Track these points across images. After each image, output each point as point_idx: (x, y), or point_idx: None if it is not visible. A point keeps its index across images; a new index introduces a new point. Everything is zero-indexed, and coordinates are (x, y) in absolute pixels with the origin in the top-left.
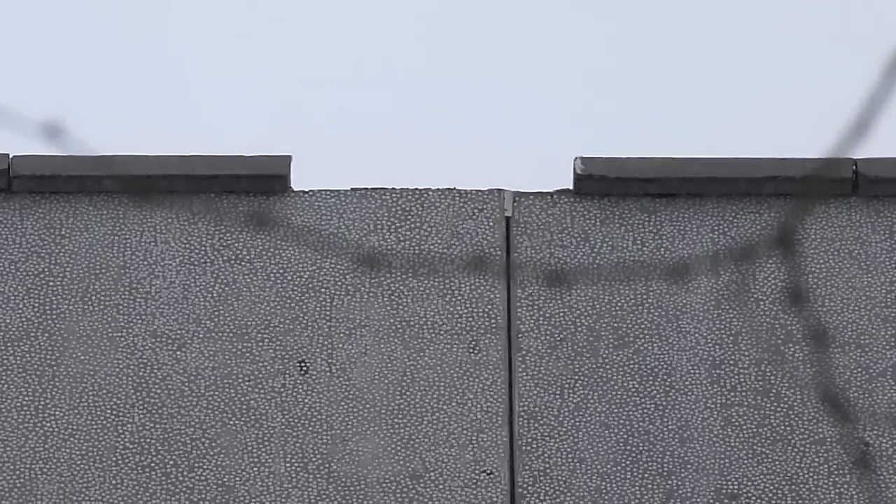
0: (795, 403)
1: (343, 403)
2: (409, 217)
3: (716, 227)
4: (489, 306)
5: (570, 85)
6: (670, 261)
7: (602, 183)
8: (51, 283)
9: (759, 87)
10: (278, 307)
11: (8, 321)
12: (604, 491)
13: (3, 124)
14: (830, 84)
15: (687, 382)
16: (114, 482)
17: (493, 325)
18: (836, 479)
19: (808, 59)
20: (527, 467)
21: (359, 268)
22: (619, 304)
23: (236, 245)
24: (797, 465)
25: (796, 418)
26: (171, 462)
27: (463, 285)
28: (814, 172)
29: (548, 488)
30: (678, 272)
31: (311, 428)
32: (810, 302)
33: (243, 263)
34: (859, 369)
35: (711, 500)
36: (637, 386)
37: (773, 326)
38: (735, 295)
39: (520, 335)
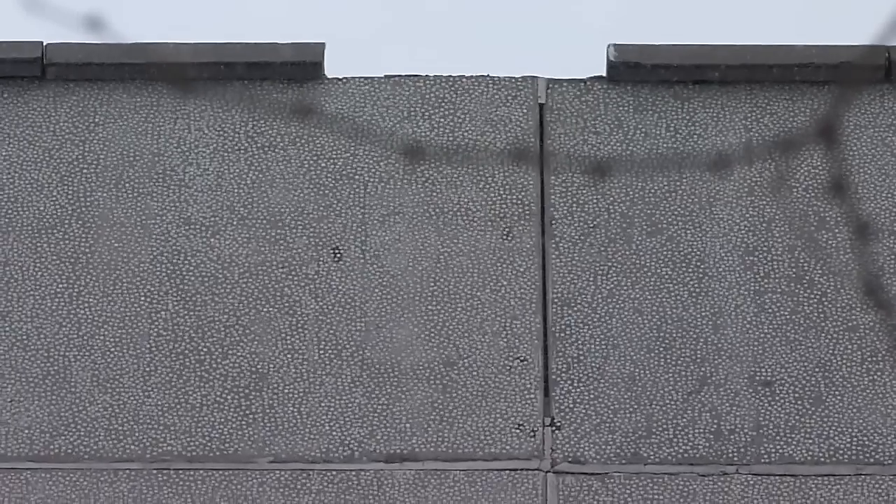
0: (829, 290)
1: (377, 290)
2: (443, 104)
3: (749, 115)
4: (523, 193)
5: None
6: (706, 150)
7: (635, 70)
8: (84, 171)
9: None
10: (312, 194)
11: (41, 209)
12: (637, 377)
13: (45, 16)
14: None
15: (720, 269)
16: (147, 369)
17: (527, 212)
18: (870, 365)
19: None
20: (560, 354)
21: (401, 158)
22: (653, 191)
23: (270, 132)
24: (830, 351)
25: (829, 305)
26: (205, 349)
27: (497, 172)
28: (857, 60)
29: (581, 375)
30: (718, 163)
31: (344, 315)
32: (852, 193)
33: (277, 151)
34: (893, 256)
35: (745, 387)
36: (670, 273)
37: (806, 213)
38: (773, 184)
39: (553, 222)
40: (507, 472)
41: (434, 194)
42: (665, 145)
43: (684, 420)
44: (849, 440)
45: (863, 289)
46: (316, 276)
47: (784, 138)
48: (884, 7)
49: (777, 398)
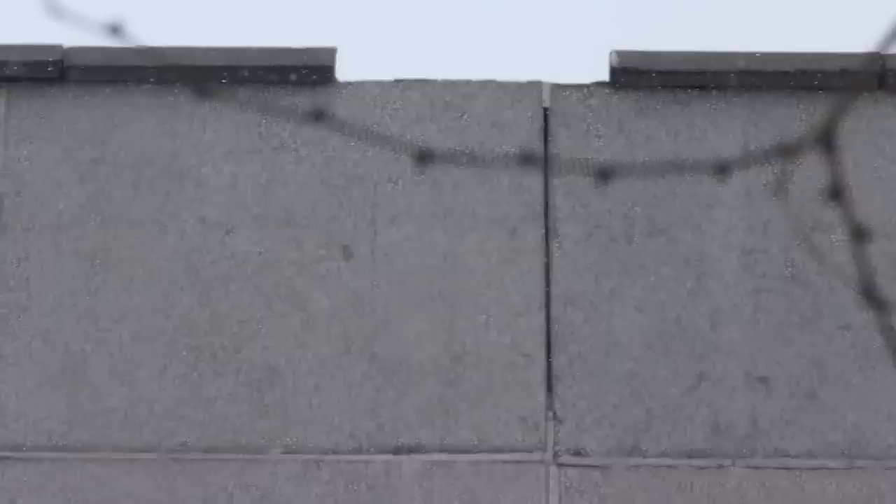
0: (823, 290)
1: (385, 288)
2: (451, 108)
3: (747, 120)
4: (528, 194)
5: None
6: (705, 154)
7: (637, 76)
8: (103, 170)
9: None
10: (323, 195)
11: (61, 207)
12: (637, 374)
13: (67, 22)
14: None
15: (718, 269)
16: (163, 363)
17: (532, 213)
18: (862, 363)
19: None
20: (563, 350)
21: (410, 160)
22: (653, 192)
23: (283, 134)
24: (824, 349)
25: (824, 304)
26: (219, 344)
27: (502, 174)
28: (854, 68)
29: (583, 371)
30: (717, 167)
31: (354, 311)
32: (849, 198)
33: (289, 152)
34: (886, 258)
35: (741, 383)
36: (670, 272)
37: (800, 215)
38: (772, 188)
39: (557, 222)
40: (512, 464)
41: (442, 195)
42: (666, 149)
43: (682, 415)
44: (841, 435)
45: (860, 289)
46: (327, 274)
47: (782, 144)
48: (879, 15)
49: (772, 394)
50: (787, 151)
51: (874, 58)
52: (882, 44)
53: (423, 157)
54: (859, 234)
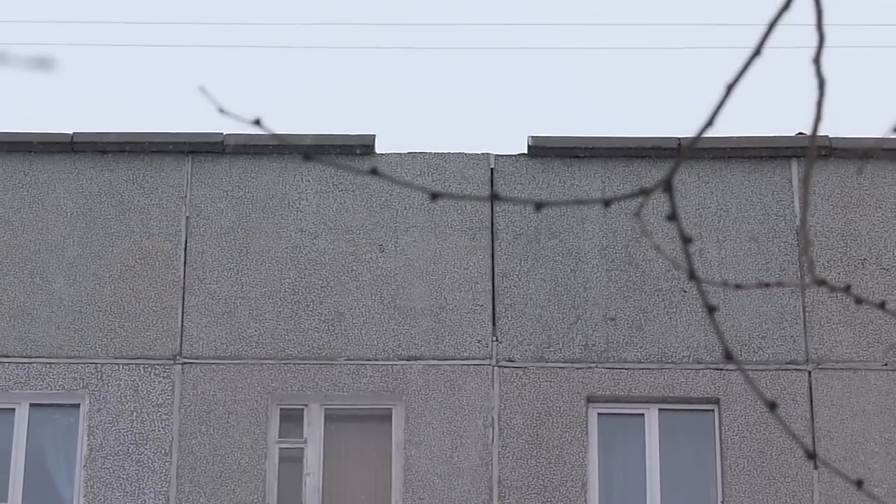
0: (647, 269)
1: (404, 267)
2: (438, 168)
3: (604, 175)
4: (482, 215)
5: (531, 87)
6: (583, 195)
7: (543, 149)
8: (244, 202)
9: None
10: (368, 214)
11: (222, 223)
12: (542, 316)
13: (228, 116)
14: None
15: (589, 256)
16: (278, 309)
17: (484, 226)
18: (669, 310)
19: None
20: (501, 303)
21: (417, 195)
22: (550, 213)
23: (345, 182)
24: (647, 301)
25: (647, 277)
26: (309, 298)
27: (468, 204)
28: (687, 145)
29: (514, 312)
30: (588, 199)
31: (385, 280)
32: (679, 220)
33: (349, 191)
34: (699, 255)
35: (601, 321)
36: (561, 258)
37: (635, 228)
38: (633, 215)
39: (497, 231)
40: (473, 366)
41: (434, 215)
42: (558, 192)
43: (568, 338)
44: (657, 349)
45: (687, 273)
46: (370, 260)
47: (640, 187)
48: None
49: (618, 327)
50: (644, 192)
51: (672, 139)
52: (699, 131)
53: (434, 196)
54: (686, 240)
